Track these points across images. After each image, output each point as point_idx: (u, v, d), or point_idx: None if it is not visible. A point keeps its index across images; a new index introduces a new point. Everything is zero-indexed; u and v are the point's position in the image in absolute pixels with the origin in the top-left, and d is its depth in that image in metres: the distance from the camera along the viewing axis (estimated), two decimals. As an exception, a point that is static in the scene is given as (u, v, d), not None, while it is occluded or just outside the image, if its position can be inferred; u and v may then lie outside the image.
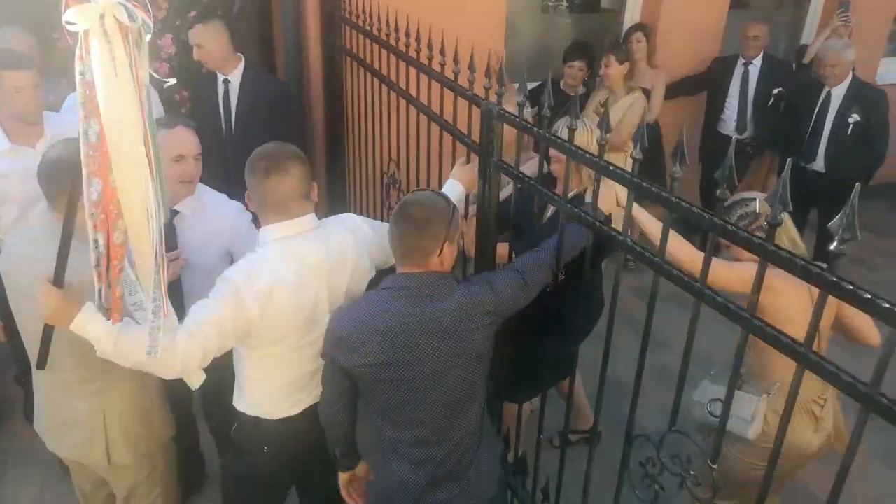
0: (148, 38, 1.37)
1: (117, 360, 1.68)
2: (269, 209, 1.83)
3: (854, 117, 4.16)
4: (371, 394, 1.80)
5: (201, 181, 2.30)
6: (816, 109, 4.30)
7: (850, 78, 4.21)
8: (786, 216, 2.11)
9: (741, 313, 1.24)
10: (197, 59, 3.34)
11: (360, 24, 3.10)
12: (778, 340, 1.17)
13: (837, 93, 4.23)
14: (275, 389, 1.96)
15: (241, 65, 3.37)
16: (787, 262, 1.11)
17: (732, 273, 1.98)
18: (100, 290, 1.49)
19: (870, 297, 0.99)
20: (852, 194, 1.01)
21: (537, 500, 2.13)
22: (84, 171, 1.37)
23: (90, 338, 1.63)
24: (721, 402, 1.93)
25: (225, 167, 3.18)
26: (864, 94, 4.20)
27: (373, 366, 1.72)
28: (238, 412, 2.02)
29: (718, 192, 1.24)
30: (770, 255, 1.14)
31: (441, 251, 1.71)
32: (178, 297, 2.17)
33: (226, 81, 3.37)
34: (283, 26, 3.89)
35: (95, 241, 1.42)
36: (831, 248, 1.03)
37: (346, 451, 1.97)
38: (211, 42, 3.23)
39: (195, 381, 1.83)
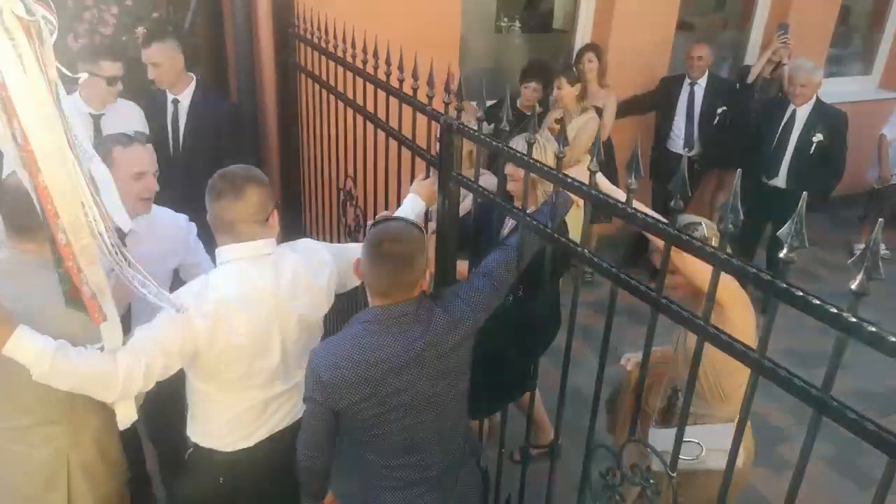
0: (54, 36, 1.32)
1: (54, 382, 1.59)
2: (220, 230, 1.80)
3: (818, 136, 4.34)
4: (359, 429, 1.76)
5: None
6: (781, 127, 4.47)
7: (814, 99, 4.40)
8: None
9: (696, 321, 1.26)
10: (151, 78, 3.28)
11: (316, 41, 3.09)
12: (732, 347, 1.20)
13: (802, 112, 4.41)
14: (228, 421, 1.90)
15: (192, 85, 3.32)
16: (740, 270, 1.14)
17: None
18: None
19: (818, 302, 1.02)
20: (800, 204, 1.04)
21: (499, 515, 2.13)
22: (24, 174, 1.34)
23: (25, 361, 1.54)
24: (696, 443, 2.00)
25: (171, 188, 3.11)
26: (827, 115, 4.39)
27: (363, 401, 1.69)
28: (192, 442, 1.96)
29: (672, 202, 1.27)
30: (723, 264, 1.17)
31: (425, 277, 1.76)
32: (126, 317, 2.10)
33: (175, 101, 3.31)
34: (236, 43, 3.85)
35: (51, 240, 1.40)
36: (781, 255, 1.06)
37: (322, 486, 1.94)
38: (167, 61, 3.17)
39: (127, 414, 1.73)
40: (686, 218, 2.27)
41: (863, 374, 3.81)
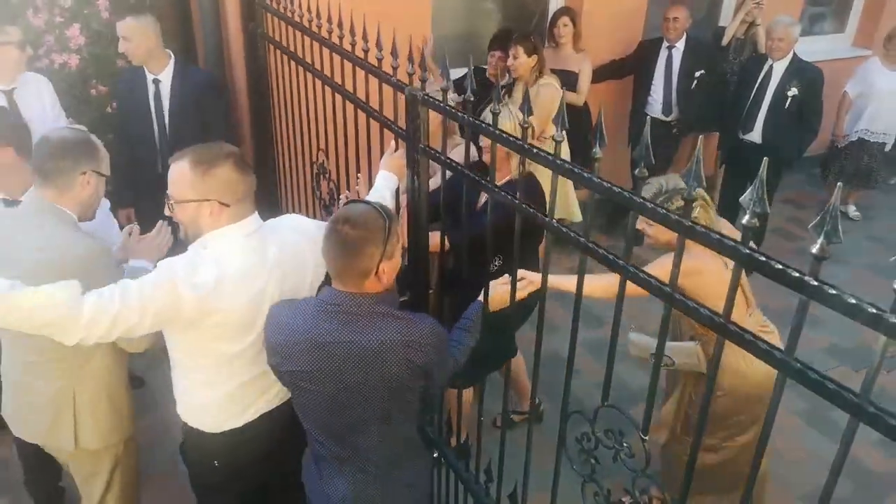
0: None
1: (8, 322, 1.53)
2: (227, 206, 1.73)
3: (793, 91, 4.38)
4: (299, 403, 1.77)
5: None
6: (758, 82, 4.50)
7: (791, 54, 4.42)
8: (705, 204, 2.30)
9: (664, 289, 1.27)
10: (121, 52, 3.18)
11: (282, 10, 3.02)
12: (698, 313, 1.21)
13: (779, 67, 4.45)
14: (215, 399, 1.87)
15: (171, 63, 3.21)
16: (704, 237, 1.14)
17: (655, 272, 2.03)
18: None
19: (781, 267, 1.03)
20: (760, 169, 1.04)
21: (481, 480, 2.15)
22: None
23: None
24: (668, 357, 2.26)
25: (159, 171, 3.07)
26: (803, 71, 4.42)
27: (300, 373, 1.68)
28: (182, 426, 1.95)
29: (637, 171, 1.27)
30: (687, 231, 1.17)
31: (377, 271, 1.63)
32: None
33: (156, 81, 3.22)
34: (202, 14, 3.75)
35: None
36: (743, 221, 1.06)
37: None
38: (140, 37, 3.07)
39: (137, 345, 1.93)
40: (673, 180, 2.31)
41: (836, 330, 3.90)
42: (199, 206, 1.70)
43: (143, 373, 3.46)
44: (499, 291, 1.97)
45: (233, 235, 1.75)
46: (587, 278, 1.55)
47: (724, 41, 5.00)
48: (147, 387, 3.38)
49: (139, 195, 3.33)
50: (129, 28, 3.05)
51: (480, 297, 1.99)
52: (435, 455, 2.34)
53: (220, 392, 1.86)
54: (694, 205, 2.10)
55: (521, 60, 3.95)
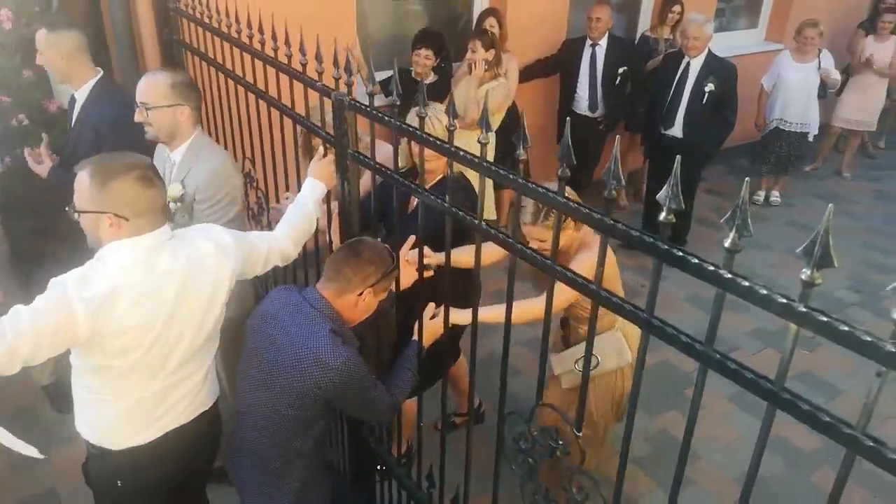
0: None
1: None
2: (128, 218, 1.68)
3: (710, 87, 4.55)
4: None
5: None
6: (676, 79, 4.66)
7: (706, 51, 4.60)
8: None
9: (590, 286, 1.29)
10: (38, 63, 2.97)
11: (198, 15, 2.93)
12: (623, 309, 1.23)
13: (695, 64, 4.63)
14: (118, 415, 1.80)
15: (91, 81, 2.91)
16: (624, 234, 1.17)
17: (583, 269, 2.05)
18: None
19: (696, 261, 1.06)
20: (674, 167, 1.06)
21: (423, 486, 2.14)
22: None
23: None
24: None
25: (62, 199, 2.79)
26: (718, 66, 4.60)
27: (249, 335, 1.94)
28: (84, 442, 1.87)
29: (560, 171, 1.28)
30: (607, 229, 1.20)
31: (362, 293, 1.85)
32: None
33: (72, 100, 2.96)
34: (113, 23, 3.59)
35: None
36: (660, 218, 1.09)
37: None
38: (51, 50, 2.81)
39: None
40: None
41: (760, 313, 4.07)
42: (98, 218, 1.67)
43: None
44: (430, 326, 2.10)
45: (130, 249, 1.69)
46: (520, 306, 1.59)
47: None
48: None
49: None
50: (39, 41, 2.83)
51: (415, 337, 2.03)
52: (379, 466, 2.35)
53: (117, 408, 1.79)
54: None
55: (480, 54, 4.07)
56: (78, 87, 2.94)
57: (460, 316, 2.01)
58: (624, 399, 2.58)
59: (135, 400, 1.79)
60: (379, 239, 2.07)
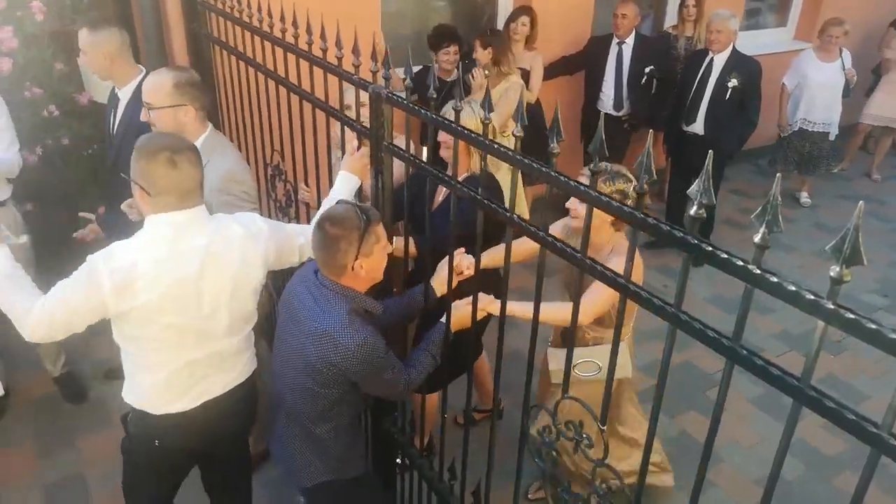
0: None
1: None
2: (166, 196, 1.79)
3: (733, 82, 4.50)
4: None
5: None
6: (699, 75, 4.63)
7: (731, 47, 4.56)
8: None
9: (618, 280, 1.30)
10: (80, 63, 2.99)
11: (227, 10, 2.97)
12: (651, 303, 1.24)
13: (719, 60, 4.59)
14: (154, 383, 1.91)
15: (137, 79, 2.89)
16: (655, 228, 1.18)
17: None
18: None
19: (726, 256, 1.07)
20: (706, 162, 1.07)
21: (445, 478, 2.17)
22: None
23: None
24: (590, 361, 2.33)
25: (112, 199, 2.77)
26: (742, 63, 4.56)
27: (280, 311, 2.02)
28: (126, 403, 2.00)
29: (592, 165, 1.29)
30: (638, 223, 1.20)
31: (354, 266, 1.82)
32: None
33: (115, 97, 2.96)
34: (143, 17, 3.64)
35: None
36: (691, 213, 1.09)
37: None
38: (94, 51, 2.81)
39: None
40: (617, 167, 2.36)
41: (787, 316, 4.04)
42: (133, 187, 1.83)
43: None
44: (461, 312, 2.03)
45: (157, 225, 1.81)
46: (542, 306, 1.60)
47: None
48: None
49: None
50: (82, 41, 2.81)
51: (443, 319, 2.03)
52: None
53: (152, 379, 1.91)
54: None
55: (480, 53, 4.08)
56: (122, 85, 2.92)
57: (490, 304, 2.03)
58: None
59: (168, 371, 1.89)
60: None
